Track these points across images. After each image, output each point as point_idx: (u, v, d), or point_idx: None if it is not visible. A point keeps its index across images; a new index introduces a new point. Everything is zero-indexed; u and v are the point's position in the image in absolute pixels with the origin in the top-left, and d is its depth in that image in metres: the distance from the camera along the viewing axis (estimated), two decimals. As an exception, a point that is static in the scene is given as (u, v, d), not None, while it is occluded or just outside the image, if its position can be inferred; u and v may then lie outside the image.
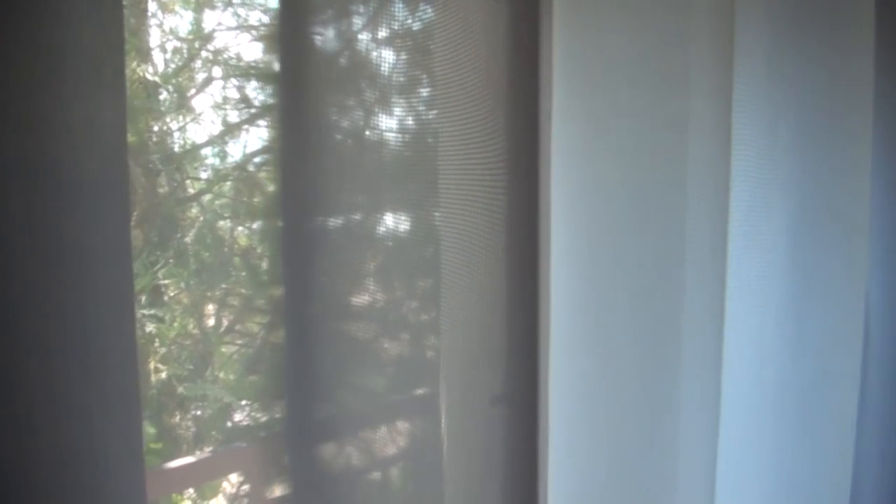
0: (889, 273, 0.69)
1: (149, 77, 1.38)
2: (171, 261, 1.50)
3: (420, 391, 0.93)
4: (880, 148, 0.67)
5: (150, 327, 1.52)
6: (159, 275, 1.49)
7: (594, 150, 0.52)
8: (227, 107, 1.41)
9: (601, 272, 0.53)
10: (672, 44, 0.52)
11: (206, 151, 1.47)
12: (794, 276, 0.54)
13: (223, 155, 1.48)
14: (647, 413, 0.54)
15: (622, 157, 0.53)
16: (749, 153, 0.55)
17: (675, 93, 0.52)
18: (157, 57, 1.41)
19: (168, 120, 1.43)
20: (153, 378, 1.52)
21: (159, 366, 1.52)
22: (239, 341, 1.60)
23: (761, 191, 0.54)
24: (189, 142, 1.47)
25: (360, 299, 1.19)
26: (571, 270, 0.53)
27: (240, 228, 1.53)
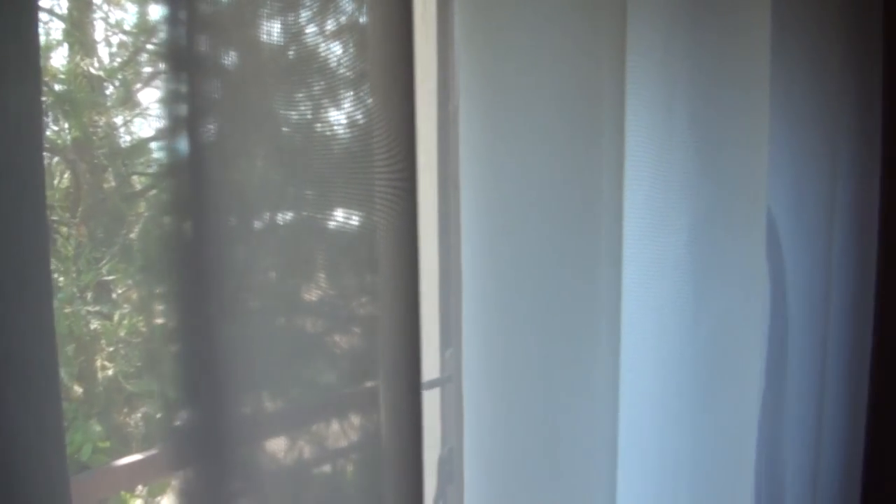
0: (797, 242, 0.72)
1: (93, 71, 1.36)
2: (116, 257, 1.49)
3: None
4: (781, 128, 0.70)
5: (95, 324, 1.50)
6: (103, 271, 1.48)
7: (498, 146, 0.54)
8: (173, 101, 1.40)
9: (507, 264, 0.55)
10: (574, 39, 0.54)
11: (152, 146, 1.45)
12: (693, 264, 0.57)
13: (169, 150, 1.47)
14: (553, 398, 0.57)
15: (525, 152, 0.55)
16: (645, 143, 0.57)
17: (579, 89, 0.54)
18: (102, 51, 1.39)
19: (113, 115, 1.41)
20: (100, 375, 1.50)
21: (106, 363, 1.50)
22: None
23: (660, 182, 0.57)
24: (135, 136, 1.45)
25: (304, 294, 1.19)
26: (479, 265, 0.55)
27: (186, 224, 1.52)
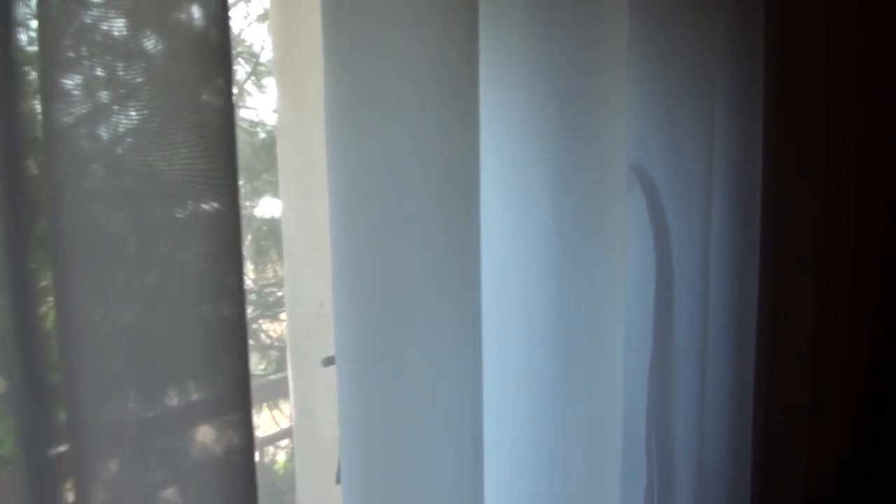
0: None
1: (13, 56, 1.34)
2: (35, 247, 1.47)
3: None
4: (658, 99, 0.72)
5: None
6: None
7: (358, 141, 0.56)
8: (96, 87, 1.39)
9: (375, 266, 0.57)
10: (430, 29, 0.56)
11: (75, 133, 1.43)
12: (559, 238, 0.59)
13: (92, 137, 1.45)
14: (420, 379, 0.59)
15: (386, 143, 0.57)
16: (506, 124, 0.59)
17: (437, 75, 0.56)
18: (22, 36, 1.37)
19: (34, 101, 1.39)
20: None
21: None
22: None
23: (524, 159, 0.58)
24: (57, 123, 1.43)
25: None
26: (346, 266, 0.57)
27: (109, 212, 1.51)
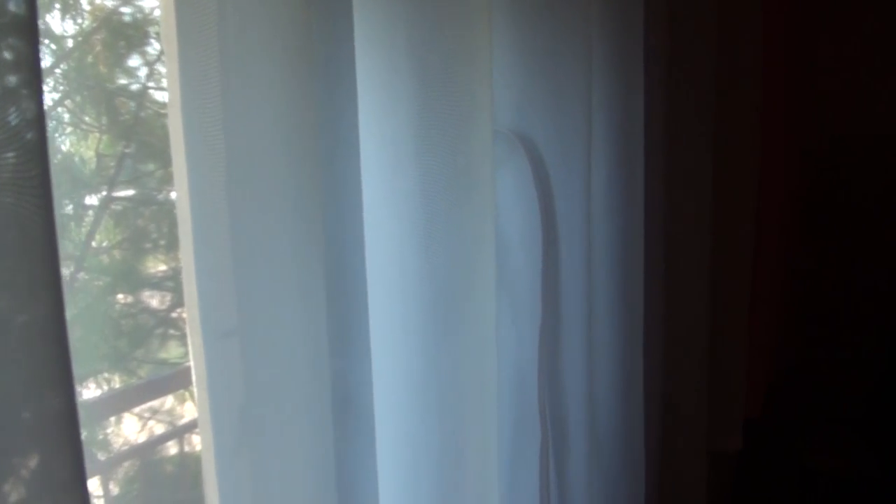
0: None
1: None
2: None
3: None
4: (536, 61, 0.73)
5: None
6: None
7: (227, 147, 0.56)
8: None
9: (241, 262, 0.57)
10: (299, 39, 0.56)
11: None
12: (426, 204, 0.59)
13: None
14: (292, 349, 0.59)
15: (256, 152, 0.57)
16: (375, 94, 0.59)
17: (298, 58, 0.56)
18: None
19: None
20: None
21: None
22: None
23: (391, 126, 0.59)
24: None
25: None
26: (213, 263, 0.56)
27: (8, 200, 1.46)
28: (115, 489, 1.38)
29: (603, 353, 0.84)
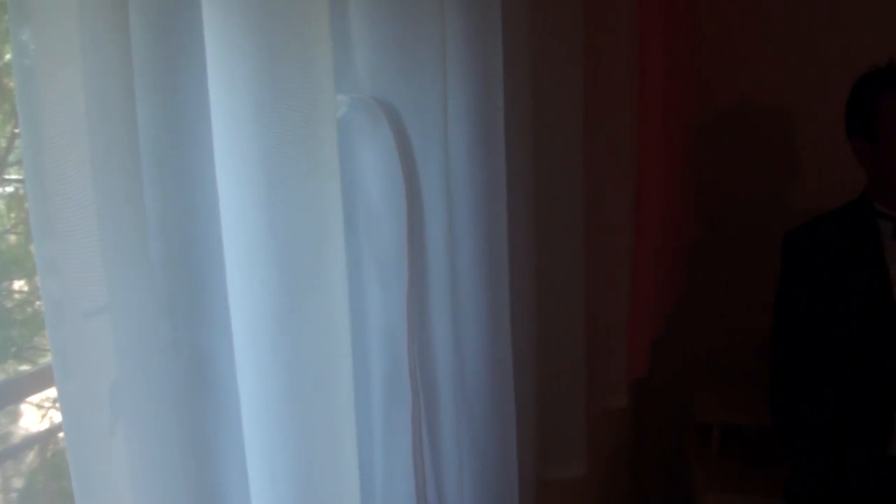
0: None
1: None
2: None
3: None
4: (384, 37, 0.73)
5: None
6: None
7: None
8: None
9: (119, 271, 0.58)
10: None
11: None
12: (269, 190, 0.60)
13: None
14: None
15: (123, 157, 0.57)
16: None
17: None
18: None
19: None
20: None
21: None
22: None
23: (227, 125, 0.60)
24: None
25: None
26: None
27: None
28: (17, 482, 1.34)
29: (469, 314, 0.86)
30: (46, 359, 1.38)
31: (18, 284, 1.24)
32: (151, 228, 0.61)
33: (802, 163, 2.79)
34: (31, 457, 1.35)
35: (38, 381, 1.36)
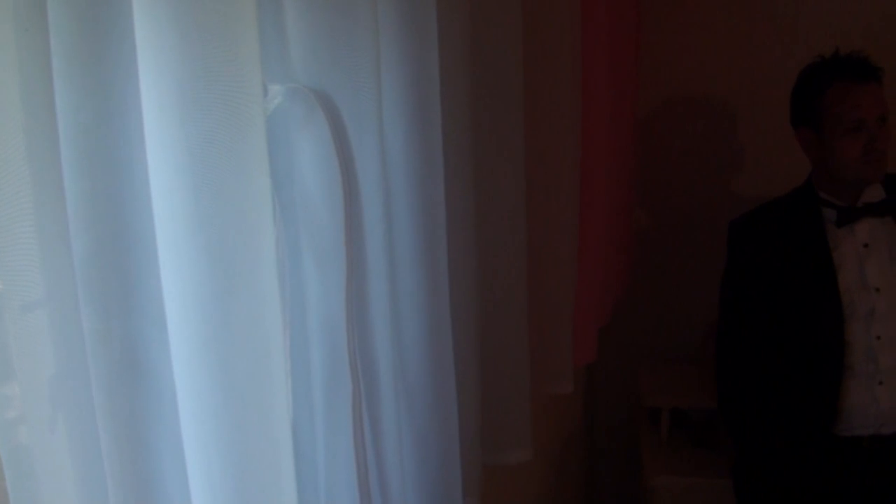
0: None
1: None
2: None
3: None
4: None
5: None
6: None
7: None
8: None
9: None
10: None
11: None
12: (192, 182, 0.60)
13: None
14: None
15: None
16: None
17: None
18: None
19: None
20: None
21: None
22: None
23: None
24: None
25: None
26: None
27: None
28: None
29: (409, 303, 0.87)
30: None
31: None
32: (80, 219, 0.60)
33: (748, 151, 2.85)
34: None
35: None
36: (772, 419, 2.10)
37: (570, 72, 1.36)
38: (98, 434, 0.64)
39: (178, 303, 0.61)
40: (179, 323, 0.62)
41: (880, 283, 2.00)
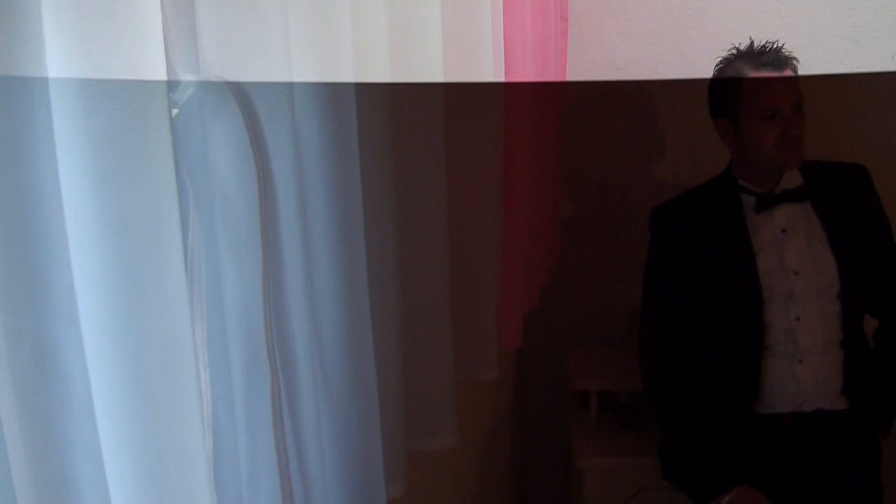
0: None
1: None
2: None
3: None
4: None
5: None
6: None
7: None
8: None
9: None
10: None
11: None
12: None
13: None
14: None
15: None
16: None
17: None
18: None
19: None
20: None
21: None
22: None
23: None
24: None
25: None
26: None
27: None
28: None
29: (326, 293, 0.87)
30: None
31: None
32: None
33: (669, 140, 2.92)
34: None
35: None
36: (695, 399, 2.16)
37: (491, 56, 1.38)
38: (5, 434, 0.63)
39: (86, 299, 0.60)
40: (89, 319, 0.61)
41: (799, 267, 2.08)
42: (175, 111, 0.79)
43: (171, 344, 0.64)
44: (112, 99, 0.58)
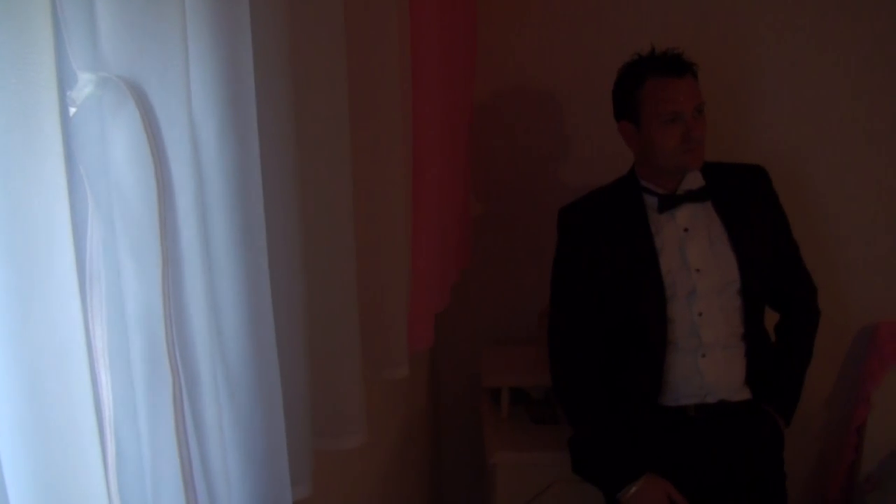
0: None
1: None
2: None
3: None
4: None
5: None
6: None
7: None
8: None
9: None
10: None
11: None
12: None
13: None
14: None
15: None
16: None
17: None
18: None
19: None
20: None
21: None
22: None
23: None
24: None
25: None
26: None
27: None
28: None
29: (228, 295, 0.87)
30: None
31: None
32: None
33: (575, 142, 2.99)
34: None
35: None
36: (602, 393, 2.22)
37: (397, 65, 1.39)
38: None
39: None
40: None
41: (700, 265, 2.16)
42: (73, 110, 0.77)
43: (63, 346, 0.62)
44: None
